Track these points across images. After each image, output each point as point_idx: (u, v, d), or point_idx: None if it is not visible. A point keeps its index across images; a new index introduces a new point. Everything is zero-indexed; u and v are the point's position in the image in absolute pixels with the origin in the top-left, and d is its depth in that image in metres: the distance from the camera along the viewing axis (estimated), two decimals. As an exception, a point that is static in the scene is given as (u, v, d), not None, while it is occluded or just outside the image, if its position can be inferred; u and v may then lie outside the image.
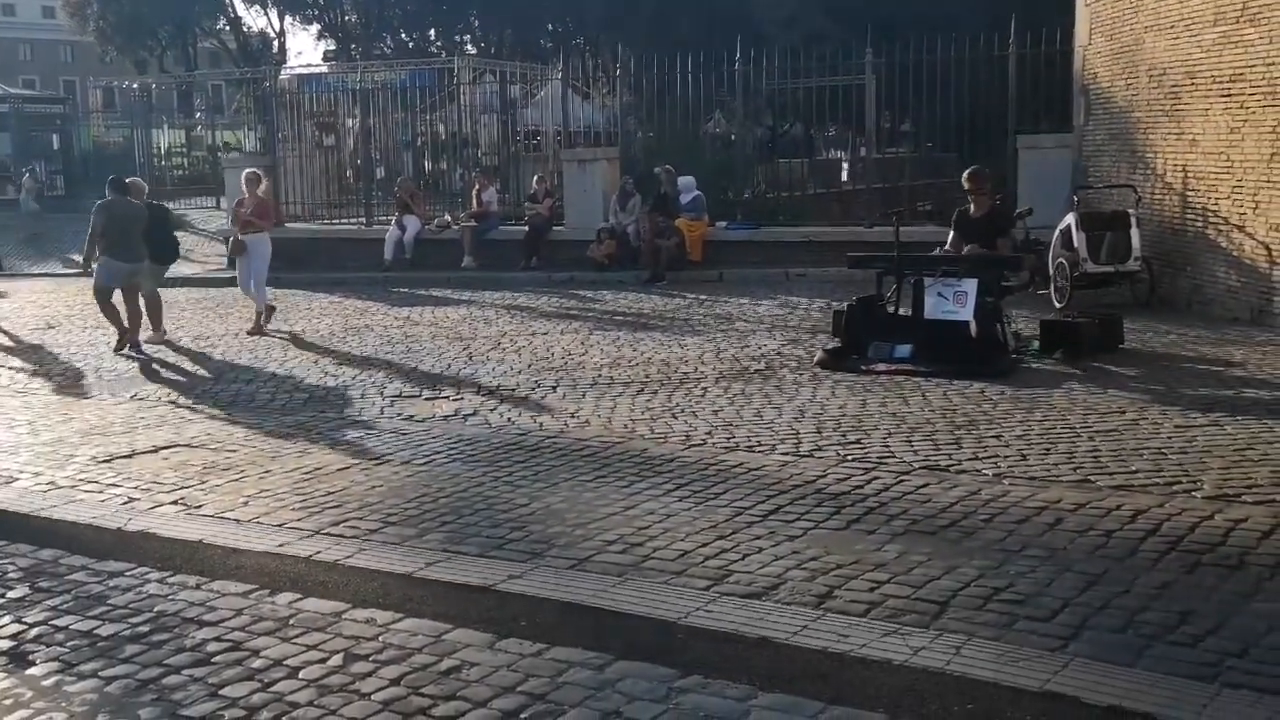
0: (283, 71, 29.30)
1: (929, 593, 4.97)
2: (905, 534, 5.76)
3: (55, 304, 16.98)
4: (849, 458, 7.21)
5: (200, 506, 6.61)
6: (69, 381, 10.91)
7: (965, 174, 11.23)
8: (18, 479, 7.39)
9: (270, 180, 20.90)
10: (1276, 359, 10.00)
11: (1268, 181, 11.54)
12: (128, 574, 5.53)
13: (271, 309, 13.69)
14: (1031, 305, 12.42)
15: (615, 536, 5.82)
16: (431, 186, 23.56)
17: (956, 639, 4.49)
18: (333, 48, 47.68)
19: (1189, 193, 12.96)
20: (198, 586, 5.34)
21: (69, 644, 4.76)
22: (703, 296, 14.99)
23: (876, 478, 6.74)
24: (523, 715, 4.02)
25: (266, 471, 7.31)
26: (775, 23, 27.82)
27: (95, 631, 4.87)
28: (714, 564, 5.41)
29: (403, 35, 44.15)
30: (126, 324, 12.27)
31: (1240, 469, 6.76)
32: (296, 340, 12.73)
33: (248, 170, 14.33)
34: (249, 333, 13.19)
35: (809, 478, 6.77)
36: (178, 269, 19.41)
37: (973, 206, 11.03)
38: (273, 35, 52.52)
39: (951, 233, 11.12)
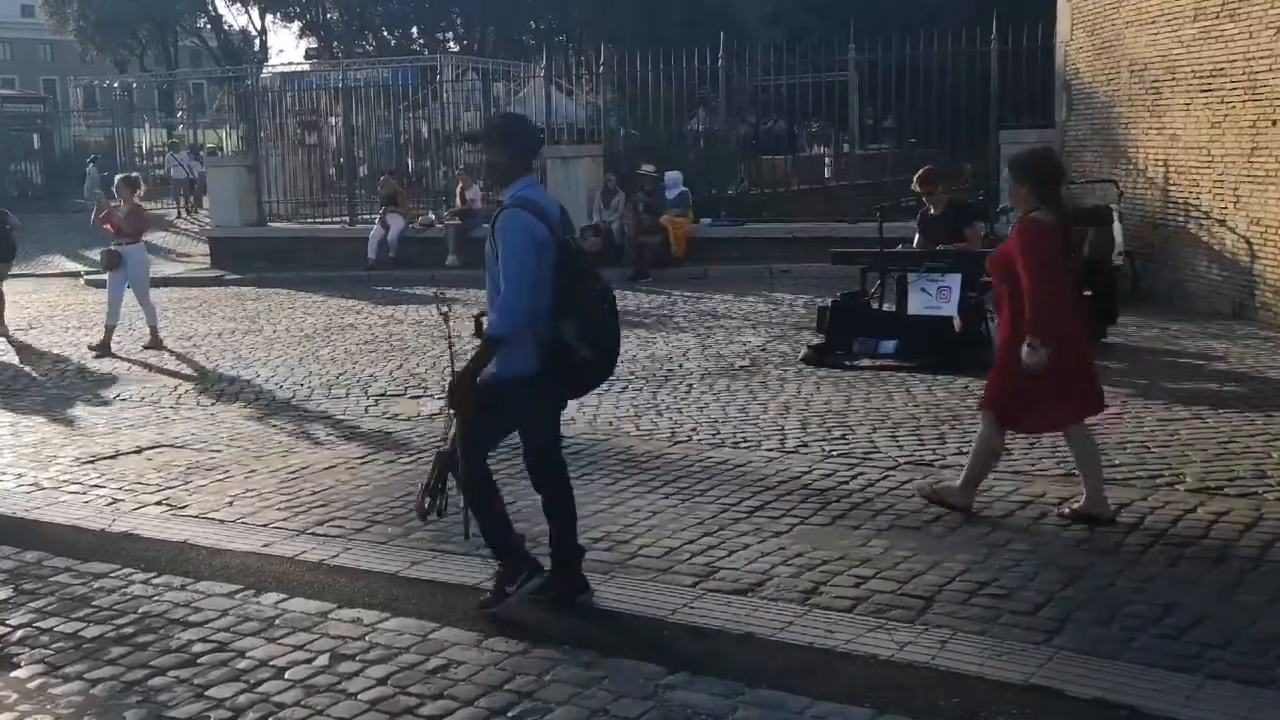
0: (265, 70, 29.18)
1: (914, 588, 4.99)
2: (890, 529, 5.78)
3: (37, 304, 16.90)
4: (834, 453, 7.23)
5: (184, 507, 6.59)
6: (51, 382, 10.86)
7: (915, 177, 11.20)
8: (0, 481, 7.35)
9: (253, 178, 20.94)
10: (1258, 352, 10.06)
11: (1248, 176, 11.60)
12: (112, 575, 5.51)
13: (111, 329, 12.35)
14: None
15: (601, 534, 5.83)
16: (415, 185, 23.50)
17: (942, 633, 4.51)
18: (315, 46, 47.50)
19: (1170, 187, 13.02)
20: (182, 587, 5.32)
21: (53, 646, 4.74)
22: (687, 293, 14.99)
23: (862, 473, 6.76)
24: (510, 713, 4.02)
25: (251, 471, 7.30)
26: (758, 19, 27.87)
27: (80, 633, 4.85)
28: (700, 561, 5.42)
29: (385, 33, 44.00)
30: None
31: (1222, 462, 6.79)
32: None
33: (122, 175, 13.96)
34: (91, 347, 12.18)
35: (794, 474, 6.78)
36: (159, 269, 19.35)
37: (931, 207, 11.06)
38: (254, 33, 52.28)
39: (917, 235, 11.12)
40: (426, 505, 4.83)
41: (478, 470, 4.83)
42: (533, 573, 4.86)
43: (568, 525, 4.97)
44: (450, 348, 5.11)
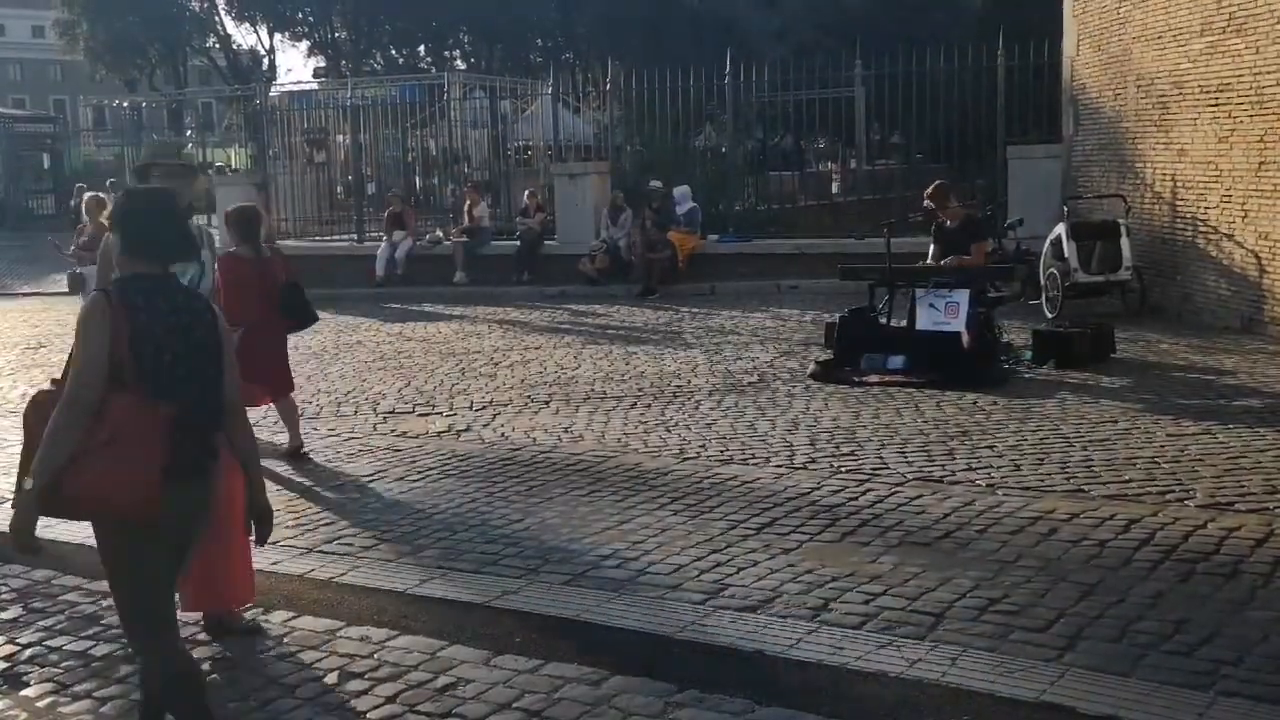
0: (273, 89, 29.28)
1: (924, 604, 4.97)
2: (900, 546, 5.76)
3: (46, 322, 16.94)
4: (843, 470, 7.22)
5: (193, 525, 6.58)
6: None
7: (928, 193, 11.23)
8: (9, 499, 7.36)
9: (262, 197, 21.00)
10: (1267, 367, 10.03)
11: (1256, 190, 11.58)
12: (121, 594, 5.51)
13: None
14: (1023, 315, 12.44)
15: (610, 551, 5.82)
16: (423, 202, 23.55)
17: (952, 650, 4.49)
18: (323, 64, 47.71)
19: (1178, 202, 13.01)
20: (191, 606, 5.32)
21: (63, 665, 4.75)
22: (695, 309, 15.00)
23: (870, 489, 6.75)
24: (519, 732, 4.01)
25: (260, 489, 7.29)
26: (765, 35, 27.94)
27: (89, 652, 4.86)
28: (709, 578, 5.41)
29: (393, 51, 44.21)
30: None
31: (1233, 477, 6.77)
32: None
33: (89, 195, 13.71)
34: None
35: (803, 490, 6.77)
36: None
37: (947, 220, 11.09)
38: (263, 53, 52.49)
39: (931, 245, 11.15)
40: None
41: None
42: None
43: None
44: None
